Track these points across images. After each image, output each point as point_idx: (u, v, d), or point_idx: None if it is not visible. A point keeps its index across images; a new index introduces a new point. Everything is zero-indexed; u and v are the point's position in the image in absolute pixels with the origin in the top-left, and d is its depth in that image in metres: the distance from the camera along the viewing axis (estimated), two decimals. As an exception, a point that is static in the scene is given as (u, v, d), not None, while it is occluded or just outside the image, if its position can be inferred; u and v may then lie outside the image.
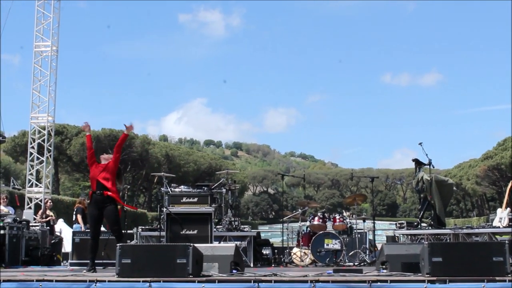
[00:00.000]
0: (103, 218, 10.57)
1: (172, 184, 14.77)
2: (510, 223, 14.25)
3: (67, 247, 17.34)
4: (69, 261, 14.03)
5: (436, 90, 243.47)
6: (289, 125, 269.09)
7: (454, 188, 18.23)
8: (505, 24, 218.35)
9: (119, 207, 10.65)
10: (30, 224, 15.65)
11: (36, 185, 24.39)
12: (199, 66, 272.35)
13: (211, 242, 12.57)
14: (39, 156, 24.49)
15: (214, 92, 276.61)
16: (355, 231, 14.81)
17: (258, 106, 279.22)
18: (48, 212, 17.19)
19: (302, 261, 13.97)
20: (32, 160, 24.51)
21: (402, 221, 17.23)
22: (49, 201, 18.29)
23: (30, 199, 24.04)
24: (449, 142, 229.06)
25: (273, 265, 14.07)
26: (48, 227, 16.34)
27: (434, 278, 7.98)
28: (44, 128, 24.62)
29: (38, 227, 15.86)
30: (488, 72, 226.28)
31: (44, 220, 17.02)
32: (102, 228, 16.64)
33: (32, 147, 24.52)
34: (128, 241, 14.49)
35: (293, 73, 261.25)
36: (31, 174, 24.42)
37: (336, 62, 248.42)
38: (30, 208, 23.39)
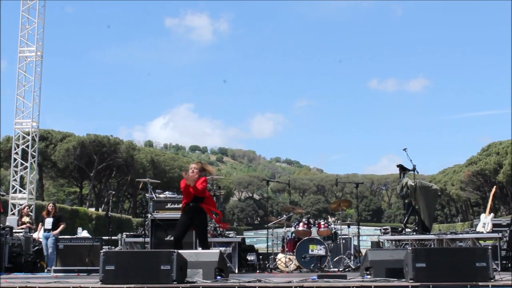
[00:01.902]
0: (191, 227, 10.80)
1: (157, 190, 14.77)
2: (494, 229, 14.34)
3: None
4: (53, 267, 13.96)
5: (422, 96, 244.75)
6: (276, 131, 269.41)
7: (439, 193, 18.31)
8: (492, 31, 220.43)
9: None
10: (14, 231, 15.55)
11: (20, 191, 24.26)
12: (186, 71, 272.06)
13: (196, 248, 12.55)
14: (23, 162, 24.37)
15: (201, 97, 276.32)
16: (340, 236, 14.85)
17: (245, 111, 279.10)
18: (24, 219, 16.79)
19: (287, 267, 13.97)
20: (16, 166, 24.39)
21: (387, 227, 17.28)
22: (26, 207, 17.85)
23: (14, 205, 23.91)
24: (434, 148, 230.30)
25: (258, 271, 14.06)
26: (31, 234, 16.19)
27: (418, 284, 8.01)
28: (28, 134, 24.50)
29: (21, 234, 15.74)
30: (474, 78, 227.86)
31: (19, 228, 16.68)
32: (86, 234, 16.64)
33: (16, 153, 24.40)
34: (112, 247, 14.47)
35: (280, 78, 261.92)
36: (15, 180, 24.29)
37: (323, 67, 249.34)
38: (14, 214, 23.25)
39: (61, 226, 16.15)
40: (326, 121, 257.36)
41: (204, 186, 10.59)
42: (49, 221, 16.07)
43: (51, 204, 16.76)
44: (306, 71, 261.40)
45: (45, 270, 15.31)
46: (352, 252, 14.70)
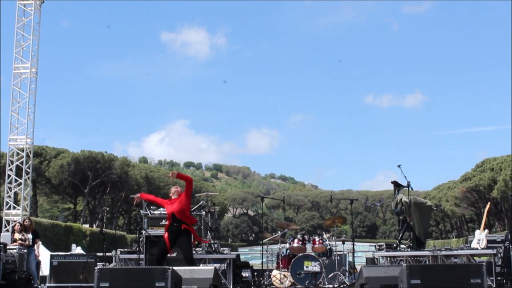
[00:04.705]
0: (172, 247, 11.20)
1: (151, 207, 14.74)
2: (488, 245, 14.34)
3: (44, 270, 17.16)
4: (47, 284, 13.91)
5: (418, 111, 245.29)
6: (271, 147, 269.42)
7: (434, 208, 18.34)
8: (489, 47, 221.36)
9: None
10: (8, 247, 15.45)
11: (14, 208, 24.17)
12: (183, 87, 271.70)
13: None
14: (17, 178, 24.31)
15: (197, 113, 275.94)
16: (335, 253, 14.81)
17: (241, 126, 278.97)
18: (16, 235, 16.40)
19: (282, 283, 13.94)
20: (10, 182, 24.32)
21: (382, 243, 17.27)
22: (18, 224, 17.33)
23: (8, 221, 23.82)
24: (429, 164, 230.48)
25: (252, 288, 14.05)
26: (25, 251, 16.03)
27: (413, 300, 8.02)
28: (22, 150, 24.46)
29: (15, 250, 15.64)
30: (469, 93, 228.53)
31: (12, 245, 16.35)
32: (80, 251, 16.60)
33: (10, 169, 24.35)
34: (107, 263, 14.42)
35: (276, 93, 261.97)
36: (9, 196, 24.22)
37: (318, 82, 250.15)
38: (7, 230, 23.15)
39: (39, 243, 16.18)
40: (321, 137, 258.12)
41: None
42: (29, 237, 16.02)
43: (27, 220, 16.66)
44: (302, 86, 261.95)
45: (34, 287, 15.24)
46: (347, 268, 14.67)
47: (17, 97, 24.35)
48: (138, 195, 12.38)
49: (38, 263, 16.81)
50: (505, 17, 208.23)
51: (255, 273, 15.42)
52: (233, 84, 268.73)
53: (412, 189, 15.11)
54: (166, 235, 11.11)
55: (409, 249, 14.95)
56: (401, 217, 15.53)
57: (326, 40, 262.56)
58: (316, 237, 15.00)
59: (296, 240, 14.57)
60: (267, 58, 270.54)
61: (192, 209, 14.73)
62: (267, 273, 14.60)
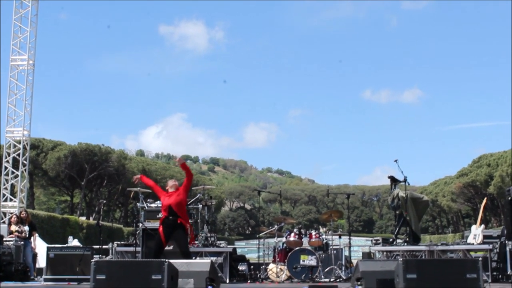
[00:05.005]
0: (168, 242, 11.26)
1: (148, 200, 14.75)
2: (484, 240, 14.37)
3: (41, 262, 17.15)
4: (43, 276, 13.91)
5: (415, 107, 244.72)
6: (269, 141, 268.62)
7: (430, 204, 18.36)
8: (488, 43, 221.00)
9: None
10: (4, 239, 15.45)
11: (11, 200, 24.14)
12: (180, 80, 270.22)
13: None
14: (14, 170, 24.27)
15: (195, 107, 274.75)
16: (331, 247, 14.84)
17: (239, 120, 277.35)
18: (12, 227, 16.36)
19: (278, 277, 13.96)
20: (6, 174, 24.28)
21: (378, 238, 17.29)
22: (14, 216, 17.25)
23: (5, 213, 23.80)
24: (426, 159, 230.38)
25: (249, 281, 14.07)
26: (22, 243, 16.03)
27: (409, 295, 8.02)
28: (19, 142, 24.40)
29: (12, 242, 15.64)
30: (468, 90, 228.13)
31: (9, 237, 16.34)
32: (77, 243, 16.59)
33: (7, 161, 24.30)
34: (103, 256, 14.42)
35: (274, 88, 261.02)
36: (6, 188, 24.18)
37: (317, 77, 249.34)
38: (4, 223, 23.13)
39: (36, 236, 16.16)
40: (319, 131, 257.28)
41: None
42: (26, 230, 15.99)
43: (24, 212, 16.61)
44: (301, 81, 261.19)
45: (31, 279, 15.24)
46: (343, 262, 14.71)
47: (14, 89, 24.28)
48: (139, 176, 12.41)
49: (34, 255, 16.81)
50: (505, 13, 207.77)
51: (252, 267, 15.44)
52: (231, 78, 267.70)
53: (408, 184, 15.13)
54: (160, 228, 11.05)
55: (405, 244, 14.98)
56: (397, 212, 15.56)
57: (324, 35, 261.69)
58: (312, 231, 15.02)
59: (292, 234, 14.59)
60: (265, 53, 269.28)
61: (189, 202, 14.74)
62: (263, 266, 14.62)
